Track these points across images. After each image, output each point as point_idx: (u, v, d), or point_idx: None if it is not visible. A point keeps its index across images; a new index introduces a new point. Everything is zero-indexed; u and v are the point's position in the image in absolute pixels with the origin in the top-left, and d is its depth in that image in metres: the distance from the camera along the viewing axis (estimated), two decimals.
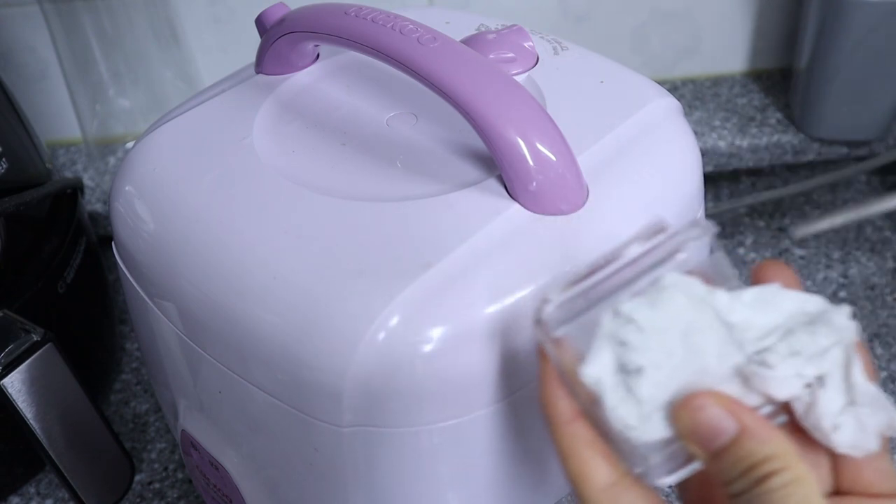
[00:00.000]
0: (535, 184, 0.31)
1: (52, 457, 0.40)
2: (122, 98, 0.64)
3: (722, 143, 0.64)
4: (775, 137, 0.65)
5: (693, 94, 0.69)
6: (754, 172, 0.69)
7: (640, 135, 0.36)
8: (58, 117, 0.69)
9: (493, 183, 0.33)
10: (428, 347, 0.29)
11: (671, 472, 0.25)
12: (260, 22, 0.39)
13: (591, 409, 0.25)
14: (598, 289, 0.26)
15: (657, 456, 0.25)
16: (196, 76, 0.65)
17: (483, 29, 0.42)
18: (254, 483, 0.36)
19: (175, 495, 0.48)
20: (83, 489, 0.41)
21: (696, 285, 0.25)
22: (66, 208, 0.49)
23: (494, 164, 0.32)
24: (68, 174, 0.67)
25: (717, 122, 0.66)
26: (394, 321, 0.29)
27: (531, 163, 0.31)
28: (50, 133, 0.70)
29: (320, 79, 0.40)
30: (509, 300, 0.30)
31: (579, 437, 0.26)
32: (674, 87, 0.70)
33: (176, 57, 0.64)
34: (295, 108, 0.38)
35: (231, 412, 0.35)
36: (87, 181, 0.65)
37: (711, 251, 0.27)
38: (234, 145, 0.36)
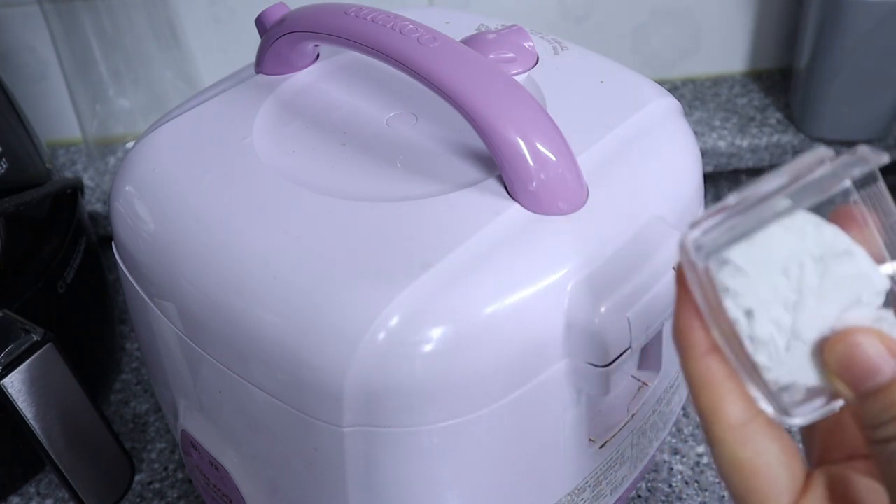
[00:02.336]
0: (535, 184, 0.31)
1: (52, 457, 0.40)
2: (122, 98, 0.64)
3: (722, 143, 0.64)
4: (775, 137, 0.65)
5: (693, 94, 0.69)
6: (754, 172, 0.69)
7: (640, 135, 0.36)
8: (58, 117, 0.69)
9: (493, 183, 0.33)
10: (428, 347, 0.29)
11: (804, 413, 0.25)
12: (260, 22, 0.39)
13: (728, 344, 0.24)
14: (748, 218, 0.24)
15: (790, 397, 0.24)
16: (196, 76, 0.65)
17: (483, 29, 0.42)
18: (254, 483, 0.36)
19: (175, 495, 0.48)
20: (83, 489, 0.41)
21: (806, 219, 0.24)
22: (66, 208, 0.49)
23: (494, 164, 0.32)
24: (68, 174, 0.67)
25: (717, 122, 0.66)
26: (394, 321, 0.29)
27: (531, 163, 0.31)
28: (50, 133, 0.70)
29: (320, 79, 0.40)
30: (509, 300, 0.30)
31: (714, 370, 0.25)
32: (674, 87, 0.70)
33: (176, 57, 0.64)
34: (295, 108, 0.38)
35: (231, 412, 0.35)
36: (87, 181, 0.65)
37: (874, 182, 0.25)
38: (234, 145, 0.36)
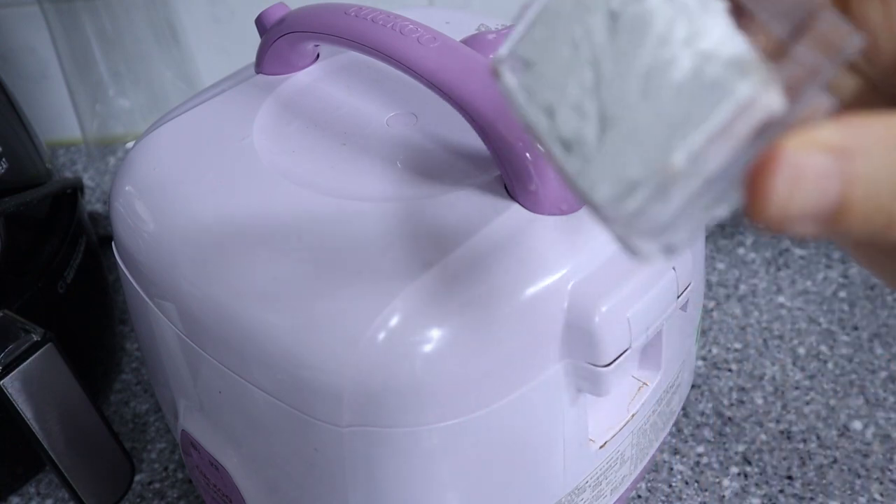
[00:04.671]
0: (535, 184, 0.31)
1: (52, 457, 0.40)
2: (122, 98, 0.64)
3: None
4: None
5: None
6: None
7: None
8: (58, 117, 0.69)
9: (493, 183, 0.33)
10: (428, 347, 0.29)
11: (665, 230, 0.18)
12: (260, 22, 0.39)
13: (552, 162, 0.19)
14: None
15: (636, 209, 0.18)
16: (196, 76, 0.65)
17: (483, 29, 0.42)
18: (254, 483, 0.36)
19: (175, 495, 0.48)
20: (83, 489, 0.41)
21: None
22: (66, 208, 0.49)
23: (494, 164, 0.32)
24: (68, 174, 0.67)
25: None
26: (394, 321, 0.29)
27: (531, 163, 0.31)
28: (50, 133, 0.70)
29: (320, 79, 0.40)
30: (509, 300, 0.30)
31: None
32: None
33: (176, 57, 0.64)
34: (295, 108, 0.38)
35: (231, 412, 0.35)
36: (87, 181, 0.66)
37: None
38: (234, 145, 0.36)
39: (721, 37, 0.17)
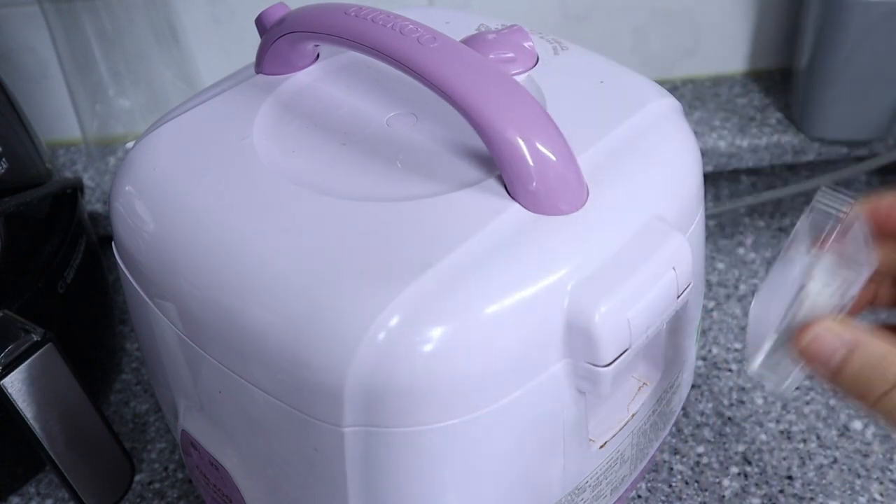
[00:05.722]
0: (535, 184, 0.31)
1: (52, 457, 0.40)
2: (122, 98, 0.64)
3: (722, 143, 0.64)
4: (775, 137, 0.65)
5: (693, 94, 0.69)
6: (754, 172, 0.69)
7: (640, 135, 0.36)
8: (58, 117, 0.69)
9: (493, 183, 0.33)
10: (428, 347, 0.29)
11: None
12: (260, 22, 0.39)
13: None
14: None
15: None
16: (196, 76, 0.65)
17: (483, 29, 0.42)
18: (254, 483, 0.36)
19: (175, 495, 0.48)
20: (83, 489, 0.41)
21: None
22: (66, 208, 0.49)
23: (494, 164, 0.32)
24: (68, 174, 0.67)
25: (717, 122, 0.66)
26: (394, 321, 0.29)
27: (531, 163, 0.31)
28: (50, 133, 0.70)
29: (320, 79, 0.40)
30: (509, 300, 0.30)
31: None
32: (674, 87, 0.70)
33: (176, 57, 0.64)
34: (295, 108, 0.38)
35: (231, 412, 0.35)
36: (87, 181, 0.65)
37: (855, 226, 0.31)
38: (234, 145, 0.36)
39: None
